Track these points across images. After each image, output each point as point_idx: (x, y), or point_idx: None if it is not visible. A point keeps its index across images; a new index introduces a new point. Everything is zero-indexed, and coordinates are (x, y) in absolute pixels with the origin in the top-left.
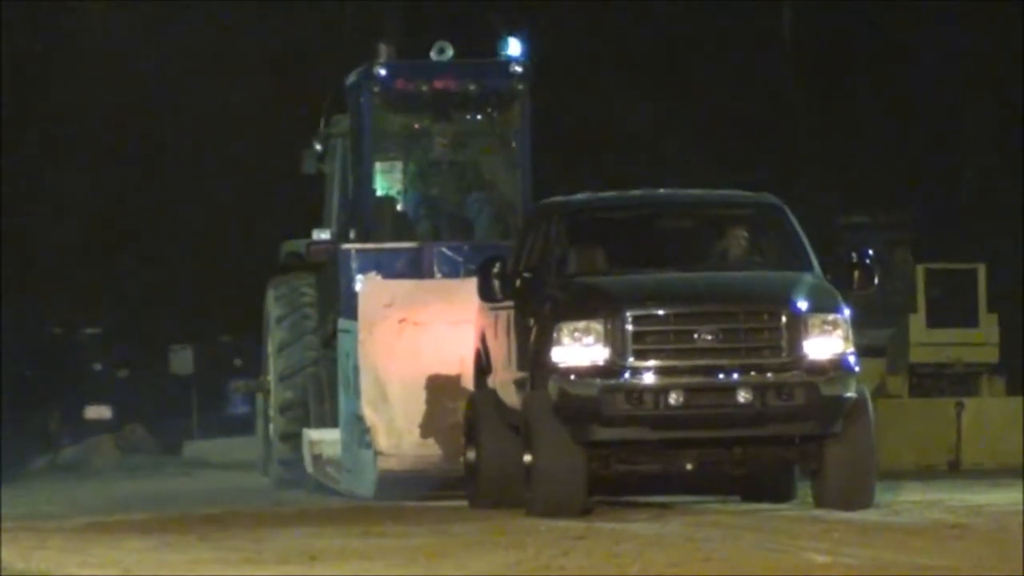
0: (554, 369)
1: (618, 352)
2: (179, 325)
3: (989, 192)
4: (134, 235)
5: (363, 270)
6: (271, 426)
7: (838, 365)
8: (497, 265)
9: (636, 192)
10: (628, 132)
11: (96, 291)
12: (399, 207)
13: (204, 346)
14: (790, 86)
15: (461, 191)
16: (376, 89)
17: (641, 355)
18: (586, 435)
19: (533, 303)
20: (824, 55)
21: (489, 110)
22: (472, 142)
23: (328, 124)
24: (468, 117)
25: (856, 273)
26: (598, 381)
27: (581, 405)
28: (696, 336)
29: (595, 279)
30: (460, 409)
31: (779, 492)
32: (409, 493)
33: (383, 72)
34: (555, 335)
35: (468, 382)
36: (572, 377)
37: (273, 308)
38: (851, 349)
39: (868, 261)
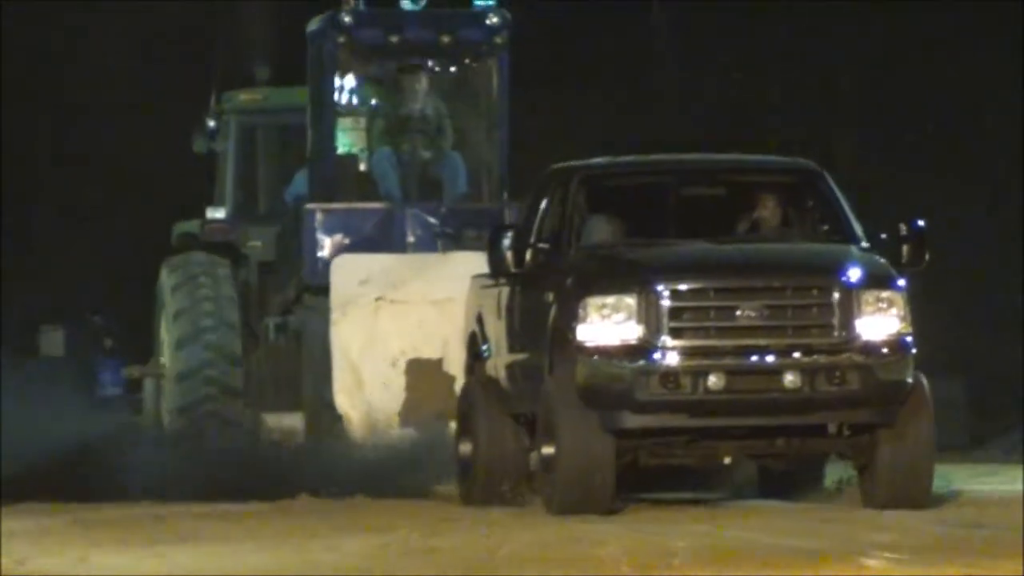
0: (579, 349)
1: (652, 330)
2: (49, 305)
3: None
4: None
5: (329, 232)
6: (164, 401)
7: (895, 346)
8: (509, 235)
9: (662, 156)
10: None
11: None
12: (362, 167)
13: (75, 327)
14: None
15: (431, 150)
16: (341, 39)
17: (678, 334)
18: (615, 422)
19: (552, 277)
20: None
21: (464, 64)
22: (444, 98)
23: (220, 100)
24: (440, 71)
25: (906, 247)
26: (630, 362)
27: (610, 389)
28: (739, 313)
29: (623, 250)
30: (443, 396)
31: (803, 485)
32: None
33: (349, 20)
34: (581, 311)
35: (452, 366)
36: (600, 358)
37: (168, 280)
38: (909, 329)
39: (920, 234)
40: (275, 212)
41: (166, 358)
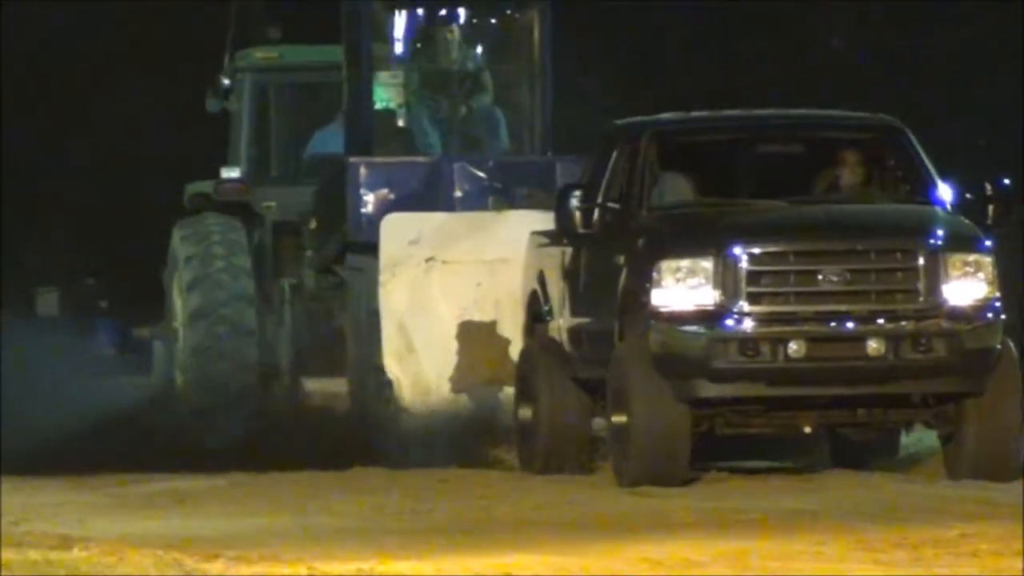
0: (654, 315)
1: (729, 295)
2: (43, 266)
3: None
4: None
5: (373, 187)
6: (178, 372)
7: (984, 312)
8: (577, 193)
9: (735, 112)
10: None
11: None
12: (400, 122)
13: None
14: None
15: (470, 104)
16: None
17: (756, 299)
18: (691, 391)
19: (622, 238)
20: None
21: (504, 14)
22: (485, 49)
23: (233, 58)
24: (479, 22)
25: (992, 207)
26: (706, 329)
27: (686, 357)
28: (820, 277)
29: (698, 210)
30: (497, 360)
31: (878, 455)
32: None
33: None
34: (655, 275)
35: (506, 330)
36: (675, 324)
37: (181, 248)
38: (997, 294)
39: (1006, 193)
40: (289, 172)
41: (179, 332)
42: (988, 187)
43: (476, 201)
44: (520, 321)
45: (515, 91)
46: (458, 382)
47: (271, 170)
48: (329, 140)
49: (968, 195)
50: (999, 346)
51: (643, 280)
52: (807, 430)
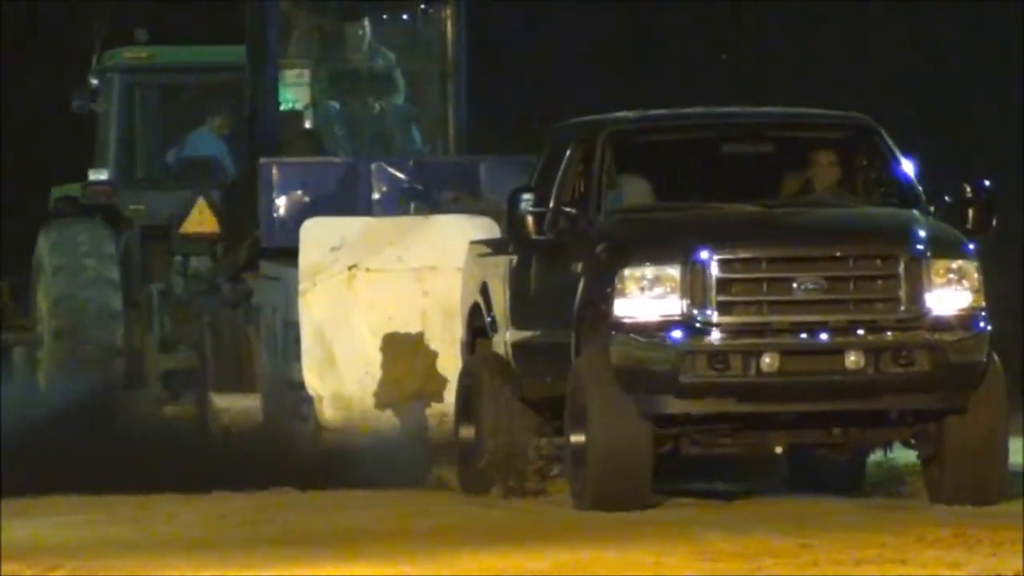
0: (616, 326)
1: (698, 304)
2: None
3: None
4: None
5: (286, 190)
6: (41, 379)
7: (969, 323)
8: (530, 198)
9: (699, 110)
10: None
11: None
12: (307, 123)
13: None
14: None
15: (380, 104)
16: None
17: (727, 308)
18: (656, 408)
19: (580, 245)
20: None
21: (417, 8)
22: (395, 46)
23: (101, 58)
24: (391, 18)
25: (971, 211)
26: (673, 341)
27: (651, 371)
28: (795, 285)
29: (662, 214)
30: (424, 375)
31: (843, 479)
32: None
33: None
34: (617, 283)
35: (434, 341)
36: (639, 336)
37: (49, 257)
38: (982, 303)
39: (987, 196)
40: (157, 175)
41: (45, 343)
42: (968, 189)
43: (395, 203)
44: (450, 332)
45: (429, 90)
46: (382, 398)
47: (139, 173)
48: (200, 143)
49: (947, 198)
50: (984, 359)
51: (604, 289)
52: (779, 450)
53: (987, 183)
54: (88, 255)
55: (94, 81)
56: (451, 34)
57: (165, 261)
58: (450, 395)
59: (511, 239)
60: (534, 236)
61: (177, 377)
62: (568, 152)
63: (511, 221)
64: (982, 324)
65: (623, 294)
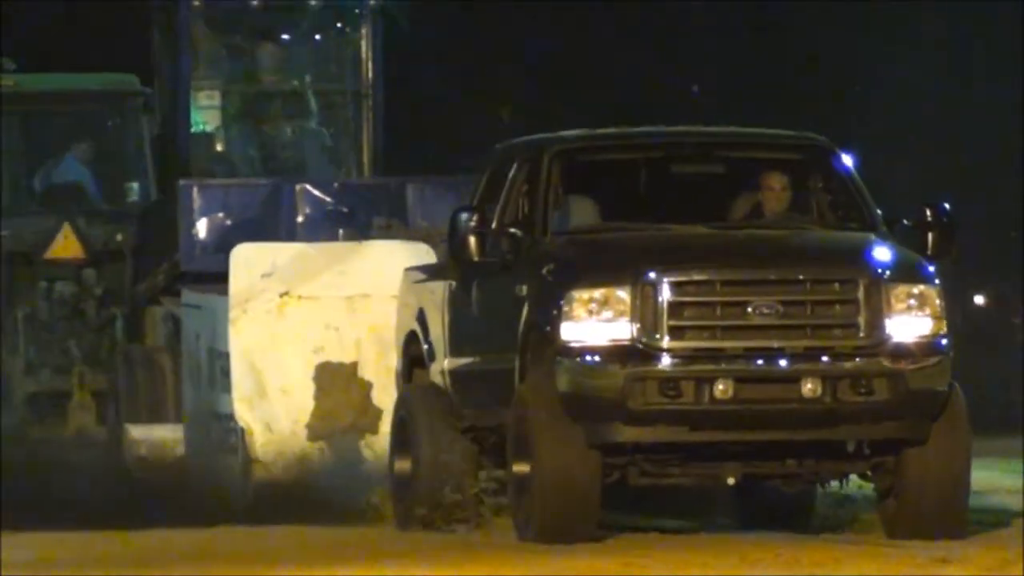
0: (562, 351)
1: (649, 329)
2: None
3: None
4: None
5: (207, 212)
6: None
7: (930, 349)
8: (474, 218)
9: (647, 129)
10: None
11: None
12: (219, 146)
13: None
14: None
15: (295, 127)
16: (196, 3)
17: (678, 333)
18: (605, 436)
19: (524, 267)
20: None
21: (331, 30)
22: (309, 68)
23: None
24: (305, 38)
25: (931, 235)
26: (621, 366)
27: (599, 397)
28: (750, 309)
29: (611, 235)
30: (358, 405)
31: (792, 515)
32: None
33: None
34: (564, 307)
35: (368, 371)
36: (588, 361)
37: None
38: (944, 329)
39: (948, 220)
40: (22, 201)
41: None
42: (928, 213)
43: (320, 226)
44: (385, 362)
45: (343, 112)
46: (315, 429)
47: (3, 199)
48: (65, 170)
49: (906, 221)
50: (946, 388)
51: (550, 312)
52: (731, 481)
53: (948, 207)
54: None
55: None
56: (367, 55)
57: (30, 286)
58: (385, 426)
59: (452, 260)
60: (476, 258)
61: (40, 400)
62: (512, 171)
63: (452, 242)
64: (944, 351)
65: (570, 317)
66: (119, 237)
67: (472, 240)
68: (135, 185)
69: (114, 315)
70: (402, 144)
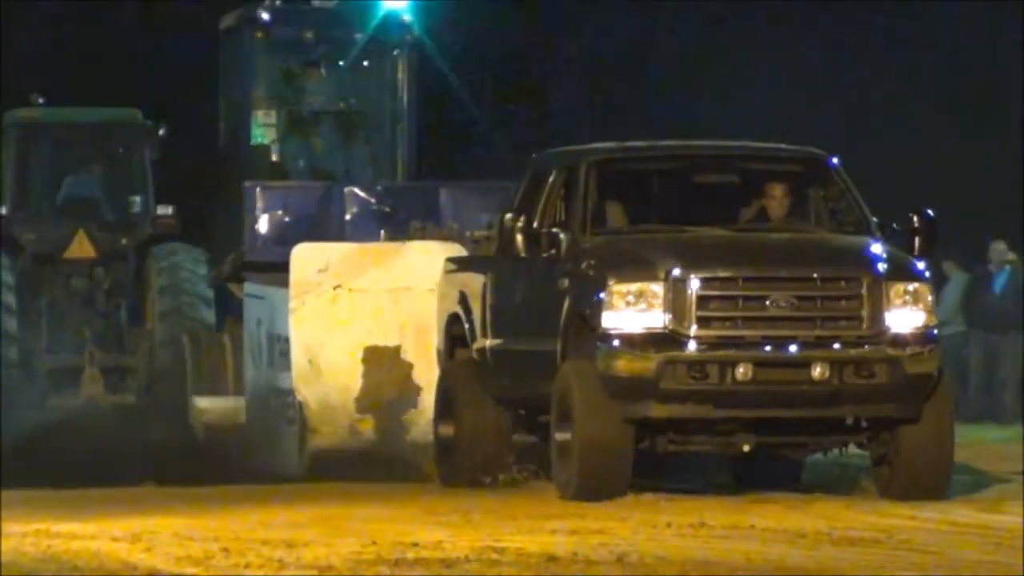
0: (603, 337)
1: (679, 319)
2: None
3: None
4: None
5: (268, 210)
6: None
7: (923, 339)
8: (521, 219)
9: (672, 142)
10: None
11: None
12: (274, 157)
13: None
14: None
15: (340, 143)
16: (258, 34)
17: (705, 323)
18: (640, 411)
19: (567, 263)
20: None
21: (373, 60)
22: (353, 91)
23: (2, 118)
24: (350, 66)
25: (917, 238)
26: (656, 351)
27: (636, 378)
28: (768, 303)
29: (645, 236)
30: (400, 382)
31: (781, 475)
32: (343, 471)
33: (266, 16)
34: (605, 299)
35: (408, 353)
36: (626, 346)
37: None
38: (934, 321)
39: (931, 224)
40: (45, 211)
41: None
42: (915, 218)
43: (364, 224)
44: (423, 345)
45: (380, 130)
46: (363, 403)
47: (31, 209)
48: (81, 185)
49: (895, 226)
50: (936, 372)
51: (592, 303)
52: (746, 449)
53: (931, 212)
54: None
55: None
56: (403, 80)
57: (51, 280)
58: (423, 401)
59: (498, 254)
60: (523, 254)
61: (58, 373)
62: (551, 178)
63: (501, 239)
64: (934, 340)
65: (610, 308)
66: (123, 241)
67: (519, 238)
68: (137, 199)
69: (119, 304)
70: (434, 152)
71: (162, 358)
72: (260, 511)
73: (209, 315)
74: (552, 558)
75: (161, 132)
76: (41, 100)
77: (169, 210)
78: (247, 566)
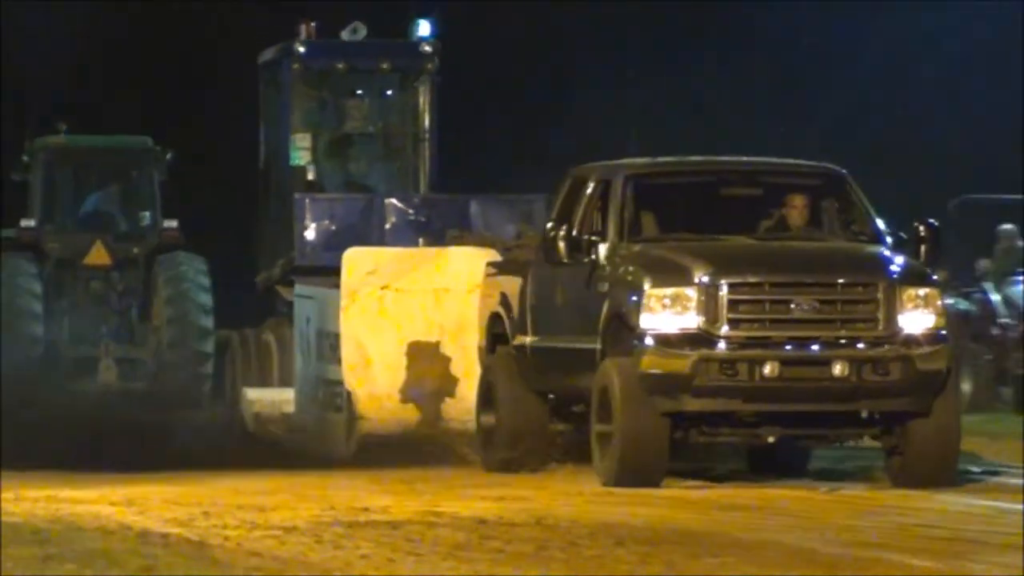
0: (641, 337)
1: (711, 320)
2: None
3: None
4: None
5: (317, 219)
6: None
7: (933, 339)
8: (563, 228)
9: (699, 158)
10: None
11: None
12: (310, 176)
13: None
14: None
15: (369, 162)
16: (296, 66)
17: (735, 324)
18: (675, 405)
19: (607, 268)
20: None
21: (399, 87)
22: (381, 116)
23: (32, 143)
24: (378, 93)
25: (923, 247)
26: (691, 350)
27: (672, 375)
28: (792, 306)
29: (679, 244)
30: (441, 375)
31: (791, 466)
32: (389, 456)
33: (303, 50)
34: (643, 302)
35: (448, 348)
36: (662, 346)
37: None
38: (944, 322)
39: (936, 233)
40: (68, 224)
41: None
42: (921, 228)
43: (403, 232)
44: (461, 342)
45: (405, 152)
46: (407, 393)
47: (56, 222)
48: (100, 202)
49: (903, 235)
50: (946, 370)
51: (630, 306)
52: (771, 440)
53: (935, 222)
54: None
55: (26, 159)
56: (425, 105)
57: (72, 283)
58: (461, 392)
59: (540, 259)
60: (566, 260)
61: (79, 362)
62: (588, 190)
63: (547, 246)
64: (944, 340)
65: (648, 310)
66: (135, 250)
67: (561, 245)
68: (147, 214)
69: (131, 304)
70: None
71: (170, 356)
72: (236, 480)
73: (207, 321)
74: (482, 520)
75: (168, 156)
76: (65, 128)
77: (174, 223)
78: (224, 526)
